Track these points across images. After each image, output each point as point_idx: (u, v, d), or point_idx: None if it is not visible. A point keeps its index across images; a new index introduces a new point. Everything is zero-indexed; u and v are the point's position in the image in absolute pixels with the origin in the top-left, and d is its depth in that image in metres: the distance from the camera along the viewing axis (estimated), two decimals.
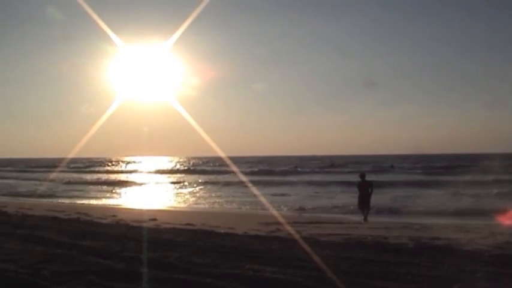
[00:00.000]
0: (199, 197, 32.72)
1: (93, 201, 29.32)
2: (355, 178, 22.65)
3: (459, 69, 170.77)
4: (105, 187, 42.84)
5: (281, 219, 16.52)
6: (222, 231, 13.58)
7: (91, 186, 43.01)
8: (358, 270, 7.61)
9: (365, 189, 19.90)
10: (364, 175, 20.82)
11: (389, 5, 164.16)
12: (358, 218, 19.80)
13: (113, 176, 61.37)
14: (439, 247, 10.63)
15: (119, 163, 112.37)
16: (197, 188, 40.92)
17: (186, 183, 46.79)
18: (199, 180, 50.31)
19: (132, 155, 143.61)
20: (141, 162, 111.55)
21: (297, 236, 12.08)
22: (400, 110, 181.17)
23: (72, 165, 74.78)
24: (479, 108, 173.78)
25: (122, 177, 60.27)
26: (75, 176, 58.12)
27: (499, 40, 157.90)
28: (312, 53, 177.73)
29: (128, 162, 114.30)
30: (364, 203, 19.81)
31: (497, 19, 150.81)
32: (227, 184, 42.73)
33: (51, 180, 45.80)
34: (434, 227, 15.86)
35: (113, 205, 26.44)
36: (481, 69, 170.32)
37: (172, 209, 25.60)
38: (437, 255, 9.38)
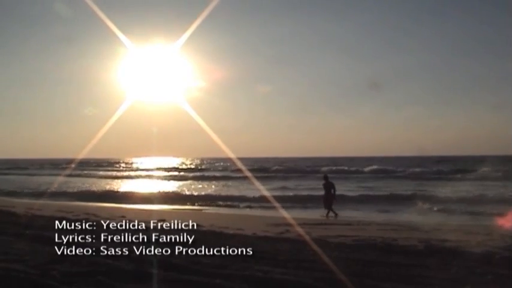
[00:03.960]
0: (207, 198, 32.65)
1: (102, 202, 29.34)
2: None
3: (467, 71, 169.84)
4: (115, 188, 42.93)
5: (290, 221, 16.51)
6: (231, 232, 13.57)
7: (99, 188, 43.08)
8: (367, 272, 7.60)
9: (328, 190, 21.95)
10: (327, 177, 22.97)
11: (396, 6, 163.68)
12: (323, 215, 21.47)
13: (122, 177, 61.52)
14: (448, 249, 10.59)
15: (127, 164, 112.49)
16: (205, 189, 40.92)
17: (194, 184, 46.83)
18: (208, 181, 50.36)
19: (141, 156, 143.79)
20: (149, 163, 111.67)
21: (306, 238, 12.06)
22: (407, 111, 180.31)
23: (79, 166, 74.49)
24: (486, 109, 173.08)
25: (131, 178, 60.39)
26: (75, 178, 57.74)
27: (509, 41, 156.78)
28: (320, 54, 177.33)
29: (137, 163, 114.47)
30: (328, 202, 21.67)
31: (505, 20, 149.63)
32: (236, 185, 42.77)
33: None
34: (443, 228, 15.77)
35: (122, 206, 26.46)
36: (489, 71, 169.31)
37: (181, 209, 25.59)
38: (446, 257, 9.35)
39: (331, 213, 21.36)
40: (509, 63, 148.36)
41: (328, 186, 21.91)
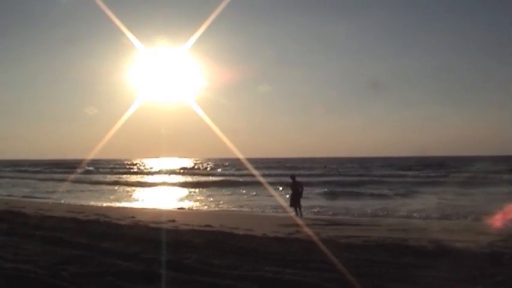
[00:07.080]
0: (217, 199, 32.61)
1: (112, 203, 29.41)
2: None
3: (473, 70, 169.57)
4: (124, 189, 43.06)
5: (300, 221, 16.49)
6: (241, 232, 13.56)
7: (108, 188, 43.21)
8: (377, 273, 7.57)
9: (296, 189, 21.83)
10: (295, 177, 23.04)
11: (399, 6, 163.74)
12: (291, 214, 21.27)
13: (131, 178, 61.61)
14: (459, 250, 10.52)
15: (136, 165, 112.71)
16: (214, 190, 40.90)
17: (202, 185, 46.77)
18: (216, 182, 50.35)
19: (150, 157, 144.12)
20: (158, 164, 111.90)
21: (316, 238, 12.04)
22: (409, 113, 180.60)
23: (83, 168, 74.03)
24: (490, 109, 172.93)
25: (140, 179, 60.50)
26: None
27: None
28: (327, 55, 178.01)
29: (145, 165, 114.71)
30: (295, 201, 21.61)
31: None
32: (244, 186, 42.72)
33: None
34: (454, 229, 15.69)
35: (132, 206, 26.52)
36: (493, 70, 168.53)
37: (190, 210, 25.60)
38: (457, 257, 9.29)
39: (299, 212, 21.36)
40: None
41: (296, 186, 21.91)
